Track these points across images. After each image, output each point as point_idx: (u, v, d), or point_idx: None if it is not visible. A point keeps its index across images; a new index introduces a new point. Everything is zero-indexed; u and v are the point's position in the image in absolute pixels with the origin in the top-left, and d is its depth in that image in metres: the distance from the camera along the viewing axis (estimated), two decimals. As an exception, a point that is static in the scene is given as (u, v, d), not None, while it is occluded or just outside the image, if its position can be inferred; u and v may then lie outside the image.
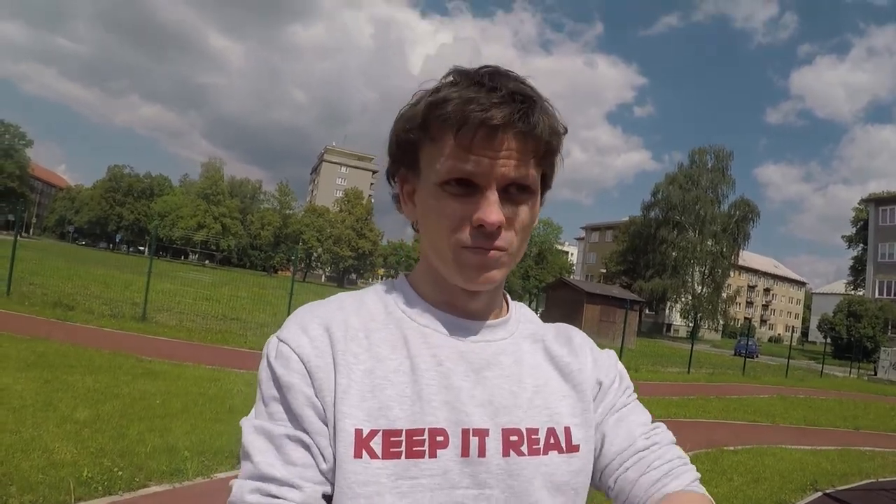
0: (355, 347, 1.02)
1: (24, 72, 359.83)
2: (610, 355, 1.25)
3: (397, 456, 0.96)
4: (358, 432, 0.96)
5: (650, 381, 20.16)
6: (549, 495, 1.04)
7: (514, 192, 1.01)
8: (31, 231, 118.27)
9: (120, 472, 5.50)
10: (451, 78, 1.03)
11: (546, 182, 1.10)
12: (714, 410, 15.50)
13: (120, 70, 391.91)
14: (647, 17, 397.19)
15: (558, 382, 1.13)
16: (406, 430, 0.97)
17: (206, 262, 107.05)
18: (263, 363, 1.03)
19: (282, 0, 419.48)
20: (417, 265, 1.18)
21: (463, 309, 1.11)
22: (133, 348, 11.77)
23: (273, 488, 0.93)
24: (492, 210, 0.98)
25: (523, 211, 1.03)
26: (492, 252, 1.01)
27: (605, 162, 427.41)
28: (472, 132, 0.96)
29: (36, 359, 9.47)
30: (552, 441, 1.06)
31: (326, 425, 0.97)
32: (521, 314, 1.21)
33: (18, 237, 17.57)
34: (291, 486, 0.93)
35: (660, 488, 1.07)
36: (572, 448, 1.08)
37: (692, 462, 1.15)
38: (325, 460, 0.96)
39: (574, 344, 1.21)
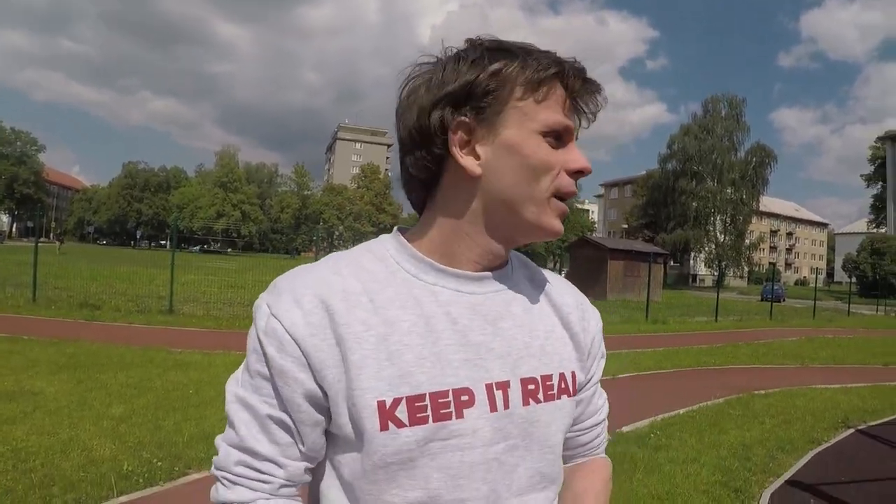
0: (361, 313, 0.98)
1: (31, 79, 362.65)
2: (597, 316, 1.27)
3: (424, 421, 0.96)
4: (381, 404, 0.94)
5: (678, 332, 20.17)
6: (559, 436, 1.11)
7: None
8: (51, 235, 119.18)
9: (159, 463, 5.55)
10: (483, 49, 1.02)
11: None
12: (743, 356, 15.47)
13: (128, 67, 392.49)
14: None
15: (561, 330, 1.15)
16: (430, 394, 0.96)
17: (229, 249, 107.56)
18: (252, 331, 1.01)
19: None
20: (423, 223, 1.11)
21: (465, 264, 1.07)
22: (162, 341, 11.84)
23: (258, 463, 0.98)
24: (582, 157, 1.04)
25: None
26: (565, 203, 1.06)
27: (620, 118, 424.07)
28: (575, 83, 1.02)
29: (67, 360, 9.56)
30: (563, 385, 1.10)
31: (323, 410, 0.99)
32: (519, 260, 1.20)
33: (38, 242, 17.67)
34: (276, 463, 0.99)
35: (586, 452, 1.28)
36: (575, 391, 1.14)
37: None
38: (303, 444, 1.00)
39: (571, 298, 1.22)
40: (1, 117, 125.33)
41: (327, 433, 1.02)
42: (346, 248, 1.17)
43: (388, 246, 1.10)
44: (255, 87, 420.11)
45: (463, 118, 1.00)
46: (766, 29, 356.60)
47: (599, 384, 1.26)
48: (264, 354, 0.97)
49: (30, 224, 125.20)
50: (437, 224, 1.08)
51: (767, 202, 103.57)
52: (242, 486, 0.99)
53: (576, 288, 1.27)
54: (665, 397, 9.63)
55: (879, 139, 79.07)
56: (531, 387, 1.05)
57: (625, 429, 7.65)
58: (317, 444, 1.01)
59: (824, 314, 34.21)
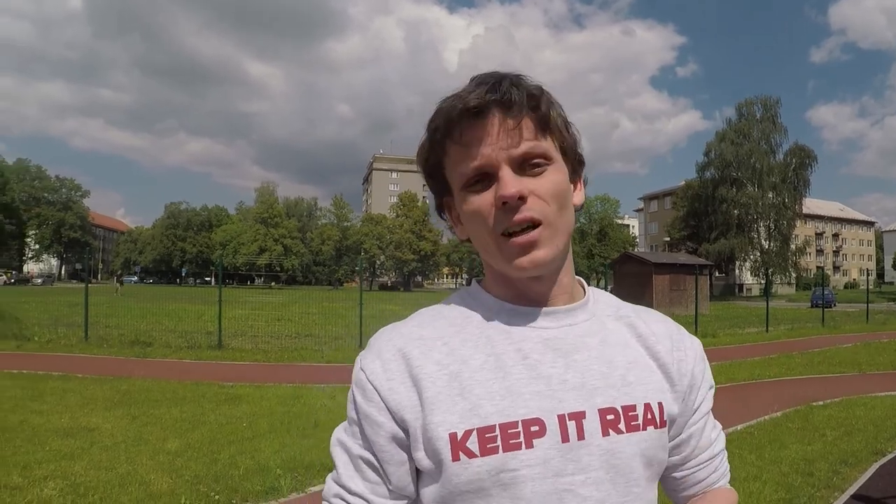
0: (436, 355, 1.06)
1: (71, 127, 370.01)
2: (696, 344, 1.22)
3: (494, 451, 0.99)
4: (452, 436, 0.99)
5: (729, 345, 19.87)
6: (643, 469, 1.07)
7: (529, 168, 1.03)
8: (99, 276, 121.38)
9: (217, 497, 5.60)
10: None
11: (567, 153, 1.10)
12: (798, 366, 15.17)
13: (164, 111, 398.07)
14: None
15: (647, 360, 1.14)
16: (499, 425, 0.99)
17: (272, 283, 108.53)
18: (352, 383, 1.11)
19: (312, 19, 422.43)
20: (485, 271, 1.19)
21: (536, 298, 1.11)
22: (213, 376, 11.98)
23: (350, 498, 1.07)
24: (507, 184, 1.00)
25: (545, 179, 1.04)
26: (529, 233, 1.02)
27: (654, 129, 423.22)
28: (460, 126, 1.02)
29: (121, 397, 9.71)
30: (649, 416, 1.07)
31: (406, 447, 1.05)
32: (598, 296, 1.21)
33: (90, 283, 17.98)
34: (365, 499, 1.06)
35: (706, 488, 1.23)
36: (664, 423, 1.10)
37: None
38: (390, 482, 1.06)
39: (661, 327, 1.20)
40: (44, 165, 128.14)
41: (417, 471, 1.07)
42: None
43: (467, 293, 1.19)
44: (288, 123, 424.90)
45: (444, 197, 1.15)
46: (794, 24, 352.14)
47: (711, 415, 1.23)
48: (354, 402, 1.08)
49: (78, 266, 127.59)
50: (488, 267, 1.15)
51: (810, 204, 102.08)
52: None
53: (670, 319, 1.24)
54: (721, 413, 9.23)
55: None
56: (610, 417, 1.04)
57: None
58: (403, 481, 1.06)
59: (878, 317, 33.49)
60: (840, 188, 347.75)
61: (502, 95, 1.00)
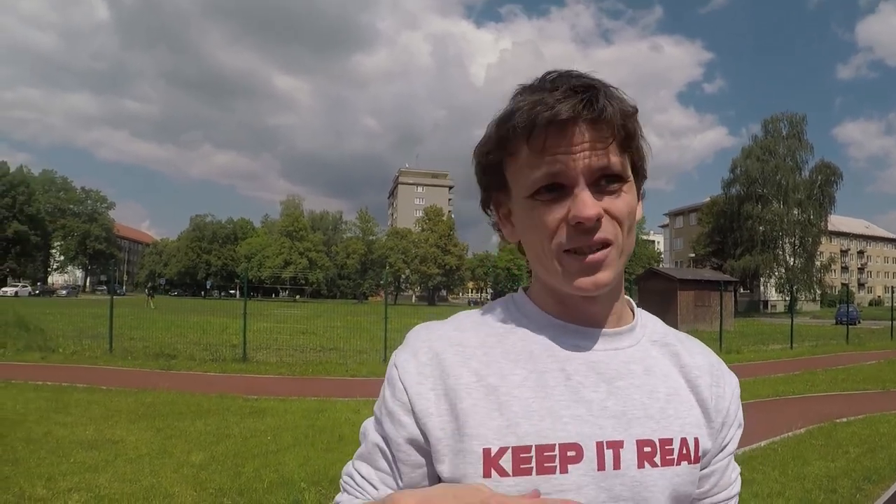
0: (475, 364, 1.03)
1: (97, 139, 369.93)
2: (734, 382, 1.21)
3: (527, 472, 0.96)
4: (486, 451, 0.96)
5: (753, 362, 19.72)
6: (670, 503, 1.04)
7: (604, 185, 0.99)
8: (124, 288, 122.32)
9: (241, 510, 5.59)
10: (516, 93, 1.04)
11: (638, 170, 1.06)
12: (821, 384, 15.09)
13: (190, 123, 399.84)
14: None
15: (687, 393, 1.11)
16: (536, 446, 0.97)
17: (297, 296, 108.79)
18: (385, 378, 1.10)
19: (341, 32, 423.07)
20: (532, 281, 1.16)
21: (585, 317, 1.08)
22: (238, 389, 12.02)
23: (359, 479, 1.07)
24: (585, 204, 0.96)
25: (620, 201, 1.00)
26: (597, 254, 0.99)
27: (681, 145, 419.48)
28: (544, 133, 0.96)
29: (146, 409, 9.76)
30: (684, 451, 1.05)
31: (424, 453, 1.02)
32: (646, 319, 1.18)
33: (116, 294, 18.12)
34: (372, 484, 1.05)
35: None
36: (697, 459, 1.07)
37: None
38: (401, 480, 1.04)
39: (703, 359, 1.17)
40: (70, 177, 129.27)
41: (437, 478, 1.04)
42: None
43: (511, 302, 1.15)
44: (315, 136, 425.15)
45: (494, 194, 1.12)
46: (821, 41, 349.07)
47: (733, 456, 1.19)
48: (383, 396, 1.07)
49: (103, 278, 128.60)
50: (537, 278, 1.12)
51: (836, 221, 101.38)
52: (346, 492, 1.09)
53: (711, 351, 1.21)
54: (745, 430, 9.29)
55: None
56: (647, 449, 1.02)
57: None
58: (414, 483, 1.03)
59: (902, 334, 33.18)
60: (866, 205, 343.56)
61: (599, 114, 0.95)
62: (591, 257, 0.98)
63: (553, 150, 0.96)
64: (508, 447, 0.96)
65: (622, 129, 0.98)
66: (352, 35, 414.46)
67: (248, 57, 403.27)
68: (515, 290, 1.19)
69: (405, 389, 1.03)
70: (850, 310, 39.46)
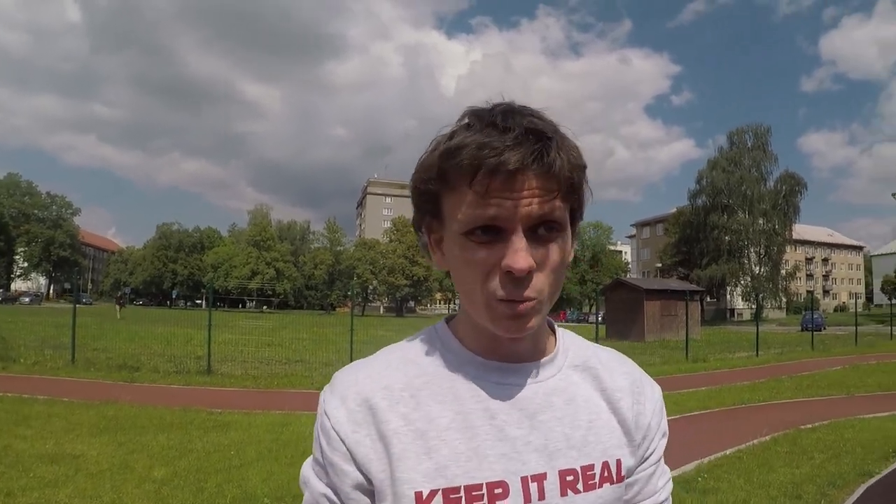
0: (403, 409, 1.05)
1: (63, 142, 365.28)
2: (656, 395, 1.22)
3: None
4: (418, 495, 1.00)
5: (720, 370, 19.98)
6: None
7: (542, 233, 0.97)
8: (89, 296, 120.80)
9: (202, 527, 5.52)
10: (465, 121, 1.00)
11: (575, 216, 1.06)
12: (786, 390, 15.29)
13: (159, 129, 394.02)
14: (673, 5, 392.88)
15: (608, 415, 1.14)
16: (465, 486, 1.00)
17: (264, 307, 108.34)
18: (316, 421, 1.11)
19: (312, 41, 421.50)
20: (458, 312, 1.16)
21: (508, 353, 1.09)
22: (202, 402, 11.87)
23: None
24: (519, 256, 0.94)
25: (554, 250, 0.99)
26: (527, 304, 0.97)
27: (648, 156, 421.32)
28: (489, 179, 0.93)
29: (107, 423, 9.62)
30: (606, 474, 1.09)
31: (369, 494, 1.04)
32: (568, 343, 1.19)
33: (77, 303, 17.92)
34: None
35: None
36: (621, 478, 1.11)
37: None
38: None
39: (624, 379, 1.19)
40: (35, 181, 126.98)
41: None
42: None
43: (436, 336, 1.15)
44: (284, 144, 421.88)
45: (427, 218, 1.08)
46: (786, 55, 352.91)
47: (662, 462, 1.22)
48: (319, 443, 1.07)
49: (67, 286, 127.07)
50: (463, 312, 1.12)
51: (800, 230, 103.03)
52: None
53: (634, 365, 1.23)
54: (710, 438, 9.50)
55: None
56: (570, 478, 1.05)
57: (671, 473, 7.52)
58: None
59: (866, 339, 33.89)
60: (829, 214, 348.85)
61: (548, 168, 0.94)
62: (521, 307, 0.97)
63: (495, 195, 0.94)
64: (439, 489, 1.00)
65: (568, 181, 0.97)
66: (323, 43, 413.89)
67: (218, 63, 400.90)
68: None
69: (342, 440, 1.04)
70: (815, 316, 40.27)
